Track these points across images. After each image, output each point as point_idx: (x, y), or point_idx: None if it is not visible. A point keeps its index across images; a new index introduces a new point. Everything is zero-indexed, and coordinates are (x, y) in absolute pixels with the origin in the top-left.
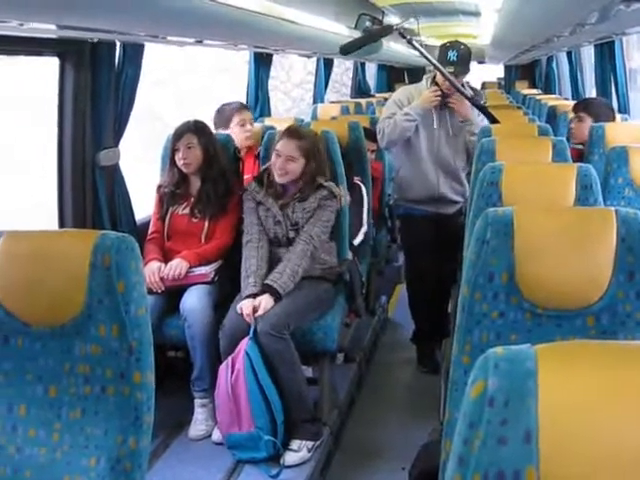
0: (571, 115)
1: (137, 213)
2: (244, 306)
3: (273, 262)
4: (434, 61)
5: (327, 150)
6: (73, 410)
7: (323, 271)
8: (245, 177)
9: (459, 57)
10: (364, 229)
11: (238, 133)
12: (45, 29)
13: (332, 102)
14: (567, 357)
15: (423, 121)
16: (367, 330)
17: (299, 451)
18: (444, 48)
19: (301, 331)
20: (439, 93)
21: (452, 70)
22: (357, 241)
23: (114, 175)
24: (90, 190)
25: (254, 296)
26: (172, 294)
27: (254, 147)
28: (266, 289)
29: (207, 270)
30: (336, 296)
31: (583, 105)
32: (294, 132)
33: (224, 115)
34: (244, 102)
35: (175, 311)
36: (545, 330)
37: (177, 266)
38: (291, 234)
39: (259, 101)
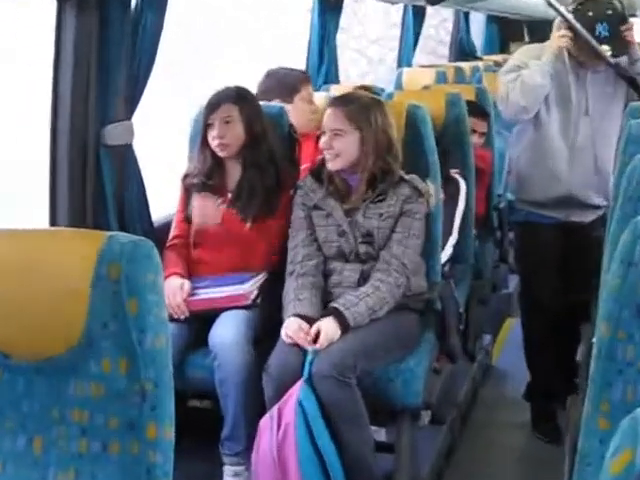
0: None
1: (156, 210)
2: (289, 328)
3: (331, 283)
4: (579, 28)
5: (415, 132)
6: (64, 471)
7: (407, 297)
8: (302, 167)
9: (612, 30)
10: (452, 240)
11: (304, 112)
12: None
13: (423, 66)
14: None
15: (555, 91)
16: (463, 380)
17: None
18: (588, 20)
19: (372, 378)
20: (570, 35)
21: (609, 51)
22: (443, 257)
23: (125, 158)
24: (92, 177)
25: (305, 318)
26: (199, 322)
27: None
28: (332, 313)
29: (247, 289)
30: (423, 332)
31: None
32: (339, 98)
33: (288, 83)
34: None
35: (202, 345)
36: None
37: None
38: (362, 248)
39: (324, 63)
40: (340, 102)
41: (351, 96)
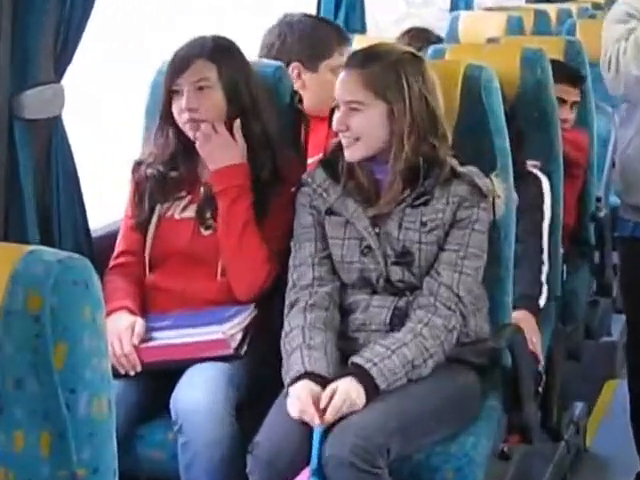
0: None
1: (97, 216)
2: (299, 400)
3: (351, 324)
4: None
5: (476, 104)
6: None
7: (462, 347)
8: (310, 160)
9: None
10: (545, 267)
11: (328, 87)
12: None
13: (488, 8)
14: None
15: None
16: (544, 468)
17: None
18: None
19: (411, 465)
20: None
21: None
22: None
23: (51, 137)
24: (1, 166)
25: (318, 379)
26: (157, 379)
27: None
28: (353, 371)
29: (227, 331)
30: (485, 398)
31: None
32: (357, 56)
33: (315, 41)
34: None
35: (161, 413)
36: None
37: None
38: (395, 273)
39: (342, 3)
40: (358, 61)
41: (374, 51)
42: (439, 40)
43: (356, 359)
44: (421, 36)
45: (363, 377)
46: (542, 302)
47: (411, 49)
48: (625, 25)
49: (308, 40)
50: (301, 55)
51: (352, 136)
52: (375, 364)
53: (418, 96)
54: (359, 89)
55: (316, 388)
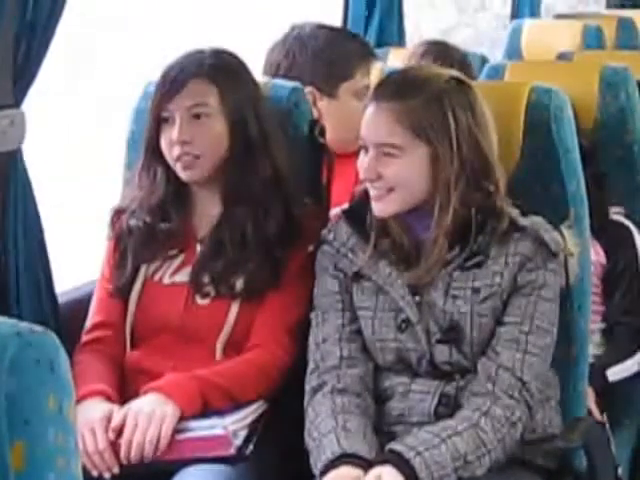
0: None
1: (65, 276)
2: None
3: (388, 414)
4: None
5: (544, 136)
6: None
7: (526, 446)
8: (334, 211)
9: None
10: None
11: (352, 115)
12: None
13: (560, 16)
14: None
15: None
16: None
17: None
18: None
19: None
20: None
21: None
22: (616, 373)
23: (9, 175)
24: None
25: (360, 463)
26: None
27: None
28: (390, 459)
29: (229, 426)
30: None
31: None
32: (389, 86)
33: (334, 59)
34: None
35: None
36: None
37: (153, 417)
38: (442, 353)
39: (375, 8)
40: (390, 92)
41: (410, 79)
42: (464, 58)
43: (396, 446)
44: (439, 53)
45: (402, 467)
46: (616, 374)
47: (456, 73)
48: None
49: (323, 58)
50: (315, 77)
51: (385, 186)
52: (419, 453)
53: (467, 135)
54: (394, 129)
55: (357, 472)
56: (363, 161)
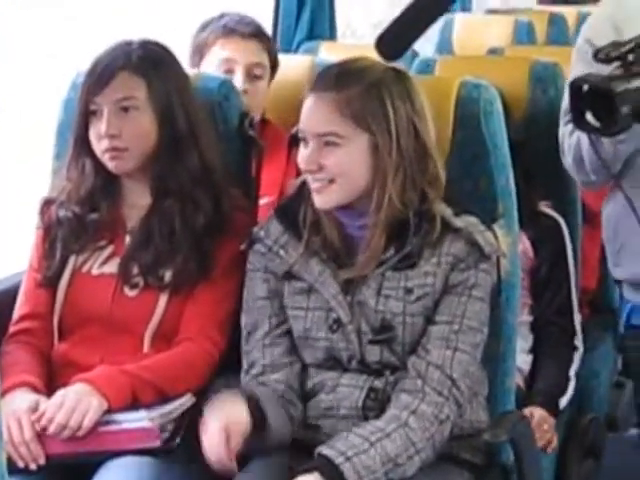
0: None
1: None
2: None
3: (317, 407)
4: None
5: (474, 131)
6: None
7: (455, 441)
8: (263, 201)
9: None
10: (578, 354)
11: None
12: None
13: (491, 11)
14: None
15: None
16: None
17: None
18: None
19: None
20: None
21: None
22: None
23: None
24: None
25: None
26: (65, 475)
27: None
28: (319, 465)
29: (155, 418)
30: None
31: None
32: (328, 76)
33: (194, 43)
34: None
35: None
36: None
37: (78, 405)
38: (373, 353)
39: (306, 5)
40: (329, 83)
41: (348, 69)
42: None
43: (325, 450)
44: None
45: (332, 474)
46: (563, 403)
47: (394, 64)
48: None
49: (195, 39)
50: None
51: (326, 177)
52: (348, 458)
53: (406, 123)
54: (335, 118)
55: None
56: (303, 153)
